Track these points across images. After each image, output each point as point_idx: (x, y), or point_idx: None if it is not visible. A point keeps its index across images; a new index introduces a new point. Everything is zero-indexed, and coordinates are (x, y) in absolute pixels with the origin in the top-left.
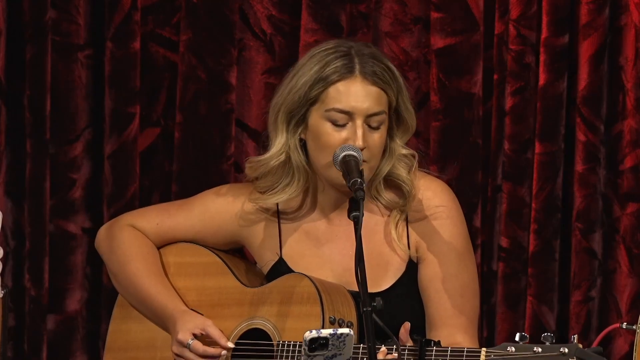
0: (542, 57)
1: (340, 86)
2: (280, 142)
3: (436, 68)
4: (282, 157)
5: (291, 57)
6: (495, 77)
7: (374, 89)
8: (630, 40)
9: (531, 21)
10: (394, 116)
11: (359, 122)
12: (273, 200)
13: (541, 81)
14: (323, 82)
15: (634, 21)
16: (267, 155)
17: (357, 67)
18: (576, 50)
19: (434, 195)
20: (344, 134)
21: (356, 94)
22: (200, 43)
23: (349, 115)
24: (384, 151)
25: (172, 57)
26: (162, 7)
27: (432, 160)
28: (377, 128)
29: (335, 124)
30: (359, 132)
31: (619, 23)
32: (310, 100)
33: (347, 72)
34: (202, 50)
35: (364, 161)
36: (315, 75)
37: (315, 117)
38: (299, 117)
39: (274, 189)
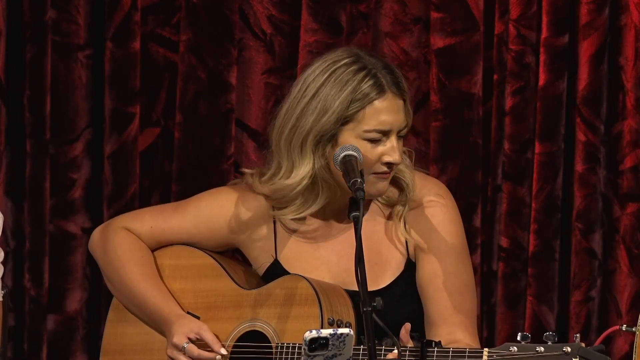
0: (542, 57)
1: (376, 106)
2: (307, 167)
3: (436, 68)
4: (308, 179)
5: (291, 57)
6: (495, 77)
7: (401, 102)
8: (630, 40)
9: (531, 21)
10: None
11: (393, 137)
12: (293, 215)
13: (541, 81)
14: (359, 103)
15: (634, 21)
16: (292, 180)
17: (384, 83)
18: (576, 50)
19: (431, 194)
20: (379, 149)
21: (391, 110)
22: (200, 43)
23: (385, 132)
24: None
25: (172, 57)
26: (162, 7)
27: (432, 160)
28: (402, 137)
29: (371, 141)
30: (396, 147)
31: (619, 23)
32: (344, 120)
33: (379, 92)
34: (202, 50)
35: (391, 172)
36: (349, 97)
37: (348, 136)
38: (327, 138)
39: (293, 204)
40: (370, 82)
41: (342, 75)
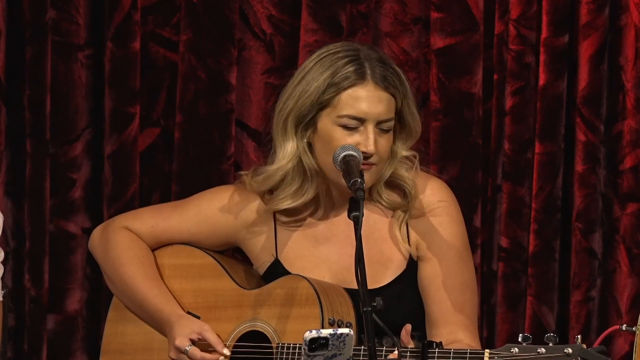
0: (542, 57)
1: (353, 92)
2: (291, 148)
3: (436, 68)
4: (293, 162)
5: (291, 57)
6: (495, 77)
7: (385, 95)
8: (630, 40)
9: (531, 21)
10: (397, 119)
11: (370, 127)
12: (287, 204)
13: (541, 81)
14: (335, 88)
15: (634, 21)
16: (277, 164)
17: (369, 72)
18: (576, 50)
19: (432, 194)
20: (355, 138)
21: (369, 99)
22: (200, 43)
23: (361, 120)
24: None
25: (172, 57)
26: (162, 7)
27: (432, 160)
28: (386, 132)
29: (347, 128)
30: (371, 138)
31: (619, 23)
32: (321, 104)
33: (359, 78)
34: (202, 50)
35: (373, 164)
36: (328, 80)
37: (326, 122)
38: (307, 121)
39: (286, 191)
40: (352, 69)
41: (328, 61)
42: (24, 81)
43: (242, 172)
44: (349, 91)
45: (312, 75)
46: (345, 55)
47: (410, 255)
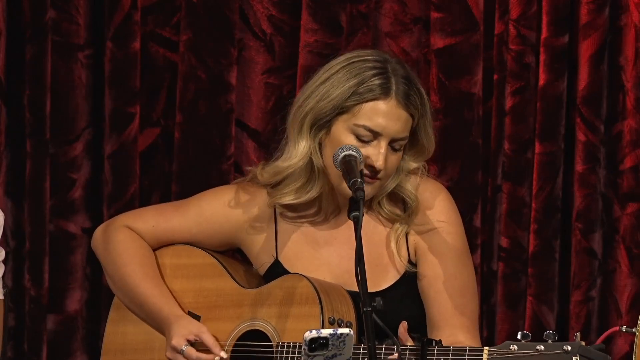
0: (542, 57)
1: (375, 105)
2: (304, 147)
3: (436, 68)
4: (305, 160)
5: (291, 57)
6: (495, 77)
7: (404, 114)
8: (630, 40)
9: (531, 21)
10: (410, 136)
11: (383, 143)
12: (289, 199)
13: (541, 81)
14: (358, 97)
15: (634, 21)
16: (288, 162)
17: (394, 88)
18: (576, 50)
19: (431, 197)
20: (366, 150)
21: (388, 116)
22: (200, 43)
23: (376, 134)
24: None
25: (172, 57)
26: (162, 7)
27: (432, 160)
28: (396, 151)
29: (359, 139)
30: (383, 154)
31: (619, 23)
32: (341, 109)
33: (383, 93)
34: (202, 50)
35: (377, 179)
36: (352, 88)
37: (340, 127)
38: (323, 122)
39: (290, 187)
40: (378, 82)
41: (356, 68)
42: (24, 81)
43: (250, 168)
44: (371, 104)
45: (337, 79)
46: (374, 66)
47: (409, 256)
